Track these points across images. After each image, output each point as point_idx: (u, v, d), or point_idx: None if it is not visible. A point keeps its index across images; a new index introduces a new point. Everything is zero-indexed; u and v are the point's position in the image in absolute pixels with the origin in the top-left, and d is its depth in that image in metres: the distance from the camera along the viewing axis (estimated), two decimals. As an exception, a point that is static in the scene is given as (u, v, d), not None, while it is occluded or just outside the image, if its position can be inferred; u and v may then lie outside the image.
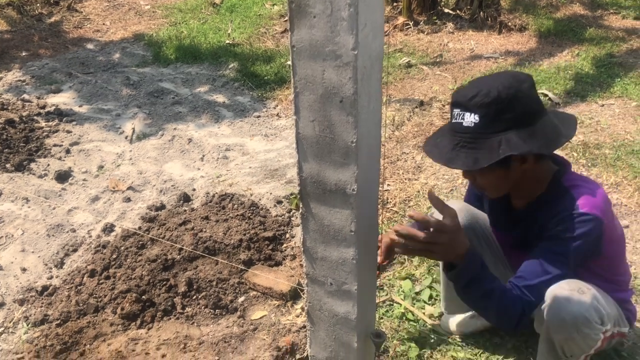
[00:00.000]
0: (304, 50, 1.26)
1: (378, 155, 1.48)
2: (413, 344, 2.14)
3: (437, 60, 5.71)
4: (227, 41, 6.41)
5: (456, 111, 1.60)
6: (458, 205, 1.94)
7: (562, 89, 4.65)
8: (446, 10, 7.06)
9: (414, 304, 2.40)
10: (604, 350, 2.00)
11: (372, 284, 1.69)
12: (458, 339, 2.18)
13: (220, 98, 5.09)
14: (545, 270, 1.60)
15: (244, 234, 2.92)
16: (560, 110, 4.30)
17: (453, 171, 3.37)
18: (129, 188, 3.63)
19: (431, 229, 1.51)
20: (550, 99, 4.47)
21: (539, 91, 4.38)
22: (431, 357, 2.12)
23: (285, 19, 7.50)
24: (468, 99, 1.56)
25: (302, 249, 1.57)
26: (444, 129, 1.72)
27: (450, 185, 3.31)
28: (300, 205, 1.50)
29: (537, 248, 1.65)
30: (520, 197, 1.78)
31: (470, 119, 1.56)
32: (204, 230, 2.95)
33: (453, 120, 1.62)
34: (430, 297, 2.42)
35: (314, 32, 1.22)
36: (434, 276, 2.50)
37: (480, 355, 2.10)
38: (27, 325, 2.54)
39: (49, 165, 3.88)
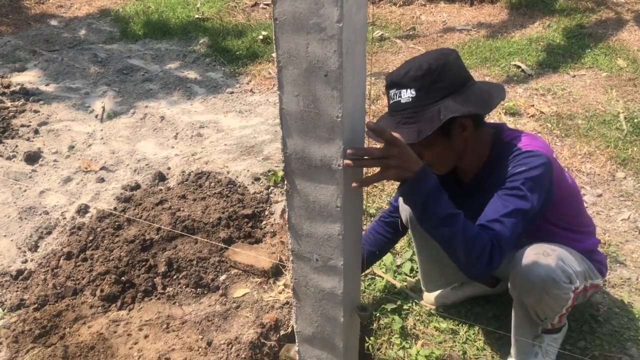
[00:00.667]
0: (287, 23, 1.23)
1: (363, 130, 1.46)
2: (396, 316, 2.17)
3: (410, 33, 5.69)
4: (197, 16, 6.27)
5: (392, 91, 1.64)
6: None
7: (535, 61, 4.68)
8: (417, -18, 7.03)
9: (396, 276, 2.42)
10: (582, 312, 2.06)
11: (357, 258, 1.69)
12: (440, 311, 2.21)
13: (191, 74, 4.99)
14: (505, 205, 1.59)
15: (223, 212, 2.89)
16: (533, 82, 4.34)
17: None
18: (102, 168, 3.55)
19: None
20: (523, 70, 4.50)
21: (512, 63, 4.42)
22: (414, 328, 2.15)
23: (256, -8, 7.37)
24: (402, 76, 1.61)
25: (287, 225, 1.56)
26: (384, 115, 1.75)
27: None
28: (285, 182, 1.48)
29: (495, 195, 1.65)
30: (467, 171, 1.81)
31: (407, 94, 1.60)
32: (182, 209, 2.92)
33: (391, 101, 1.66)
34: (412, 269, 2.44)
35: (298, 4, 1.19)
36: (414, 249, 2.52)
37: (462, 324, 2.14)
38: (3, 311, 2.49)
39: (17, 146, 3.77)
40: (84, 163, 3.59)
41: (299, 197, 1.48)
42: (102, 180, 3.44)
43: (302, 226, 1.54)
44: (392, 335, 2.11)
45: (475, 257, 1.52)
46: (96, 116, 4.25)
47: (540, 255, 1.63)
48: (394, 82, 1.64)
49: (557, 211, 1.75)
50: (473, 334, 2.10)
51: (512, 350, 1.92)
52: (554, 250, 1.65)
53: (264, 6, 6.78)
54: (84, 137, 3.96)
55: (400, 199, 1.99)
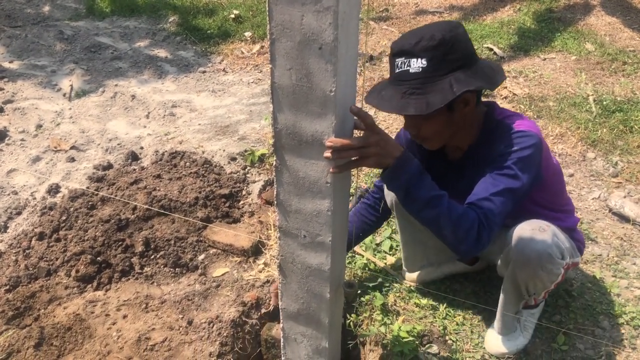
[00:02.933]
0: (280, -6, 1.21)
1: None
2: (377, 293, 2.18)
3: (383, 14, 5.68)
4: (165, -8, 6.14)
5: (399, 60, 1.59)
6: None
7: (507, 44, 4.74)
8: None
9: (375, 254, 2.44)
10: (557, 288, 2.11)
11: (343, 234, 1.69)
12: (420, 288, 2.24)
13: (162, 53, 4.89)
14: (495, 184, 1.60)
15: (200, 192, 2.86)
16: (506, 64, 4.39)
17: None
18: (72, 147, 3.46)
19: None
20: (495, 53, 4.56)
21: (484, 45, 4.45)
22: (395, 305, 2.17)
23: (225, -29, 7.23)
24: (412, 45, 1.55)
25: (275, 202, 1.55)
26: (384, 83, 1.70)
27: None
28: (274, 158, 1.46)
29: (487, 174, 1.65)
30: (457, 148, 1.81)
31: (417, 64, 1.55)
32: (158, 188, 2.87)
33: (397, 70, 1.60)
34: (391, 247, 2.46)
35: (293, -25, 1.17)
36: (393, 227, 2.54)
37: (441, 300, 2.17)
38: (-26, 293, 2.42)
39: (-19, 124, 3.65)
40: (53, 142, 3.49)
41: (289, 173, 1.47)
42: (72, 159, 3.35)
43: (290, 202, 1.53)
44: (374, 312, 2.13)
45: (462, 236, 1.53)
46: (64, 94, 4.13)
47: (536, 230, 1.65)
48: (404, 50, 1.58)
49: (542, 191, 1.78)
50: (452, 309, 2.13)
51: (496, 325, 1.95)
52: (549, 226, 1.69)
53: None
54: (52, 115, 3.85)
55: None
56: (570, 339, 2.00)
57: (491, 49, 4.62)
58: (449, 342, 2.01)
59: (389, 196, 2.01)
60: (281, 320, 1.83)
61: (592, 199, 2.80)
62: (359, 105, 1.47)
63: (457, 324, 2.07)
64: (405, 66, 1.57)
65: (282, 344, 1.89)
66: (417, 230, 2.03)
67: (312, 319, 1.76)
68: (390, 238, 2.50)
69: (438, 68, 1.55)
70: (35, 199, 3.00)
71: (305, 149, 1.40)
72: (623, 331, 2.05)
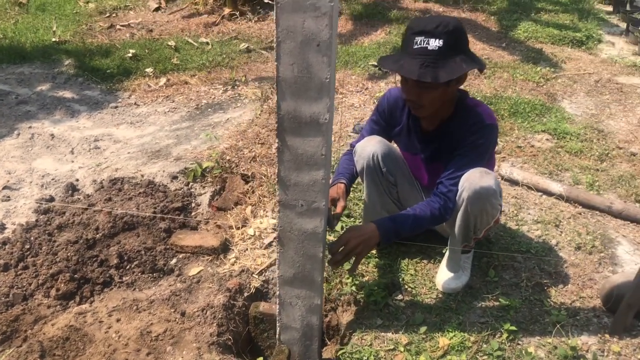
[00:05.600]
0: (287, 5, 1.58)
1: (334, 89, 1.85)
2: (342, 263, 2.57)
3: (273, 45, 6.17)
4: (54, 39, 6.15)
5: (420, 38, 1.99)
6: (376, 139, 2.40)
7: (387, 61, 5.42)
8: (266, 1, 7.53)
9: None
10: (480, 242, 2.62)
11: (327, 199, 2.05)
12: (376, 250, 2.65)
13: (67, 94, 4.96)
14: (462, 167, 2.15)
15: (155, 207, 3.08)
16: (391, 77, 5.05)
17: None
18: (5, 187, 3.49)
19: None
20: (380, 69, 5.21)
21: (369, 64, 5.08)
22: (358, 269, 2.57)
23: (107, 16, 7.36)
24: (434, 27, 1.97)
25: (277, 179, 1.90)
26: (398, 54, 2.12)
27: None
28: (277, 140, 1.82)
29: (455, 157, 2.19)
30: (432, 120, 2.28)
31: (435, 43, 1.97)
32: (115, 208, 3.05)
33: (415, 46, 2.00)
34: (349, 215, 2.86)
35: (298, -9, 1.56)
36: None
37: (395, 259, 2.60)
38: (-47, 326, 2.44)
39: None
40: (-17, 185, 3.49)
41: (289, 152, 1.83)
42: (8, 198, 3.39)
43: (290, 177, 1.88)
44: (343, 277, 2.52)
45: (439, 219, 2.20)
46: (-24, 141, 4.09)
47: (483, 174, 2.13)
48: (426, 30, 1.97)
49: (487, 161, 2.27)
50: (405, 265, 2.58)
51: (447, 264, 2.43)
52: (491, 172, 2.19)
53: (120, 27, 6.82)
54: (-30, 161, 3.81)
55: (359, 145, 2.42)
56: (498, 272, 2.53)
57: (376, 66, 5.26)
58: (409, 289, 2.45)
59: (359, 164, 2.41)
60: (277, 287, 2.14)
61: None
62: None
63: (411, 275, 2.52)
64: (424, 44, 1.98)
65: (277, 310, 2.20)
66: (385, 203, 2.49)
67: (306, 280, 2.09)
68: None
69: (450, 49, 1.98)
70: (-18, 237, 3.02)
71: (305, 128, 1.77)
72: (533, 261, 2.62)
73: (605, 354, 2.13)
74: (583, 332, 2.23)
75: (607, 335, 2.21)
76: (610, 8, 8.19)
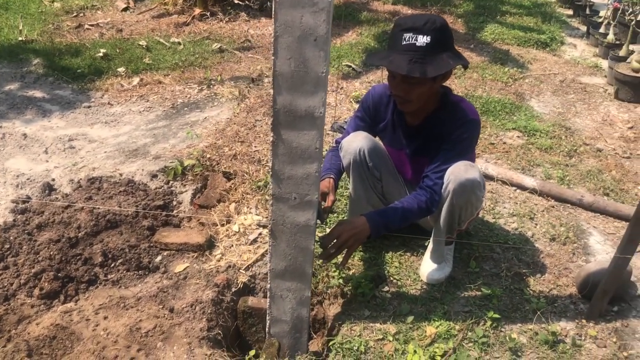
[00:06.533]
0: (285, 1, 1.62)
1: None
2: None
3: (245, 45, 6.18)
4: (20, 38, 6.02)
5: (408, 35, 2.05)
6: (362, 134, 2.45)
7: (359, 61, 5.51)
8: (236, 1, 7.53)
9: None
10: (461, 234, 2.70)
11: (319, 193, 2.08)
12: (360, 246, 2.70)
13: (37, 94, 4.87)
14: (447, 161, 2.23)
15: (137, 206, 3.07)
16: (364, 76, 5.13)
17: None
18: (-22, 188, 3.42)
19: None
20: (354, 69, 5.28)
21: (343, 64, 5.15)
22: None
23: (75, 15, 7.23)
24: (422, 24, 2.03)
25: (270, 172, 1.93)
26: (386, 51, 2.16)
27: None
28: (271, 134, 1.85)
29: (440, 151, 2.26)
30: (417, 115, 2.34)
31: (423, 40, 2.03)
32: (97, 207, 3.02)
33: (404, 42, 2.05)
34: (333, 211, 2.91)
35: (296, -13, 1.60)
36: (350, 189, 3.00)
37: (379, 252, 2.66)
38: None
39: None
40: (-44, 185, 3.41)
41: (283, 145, 1.87)
42: (-19, 199, 3.32)
43: (284, 170, 1.92)
44: (329, 270, 2.56)
45: (426, 212, 2.27)
46: (-56, 141, 3.98)
47: (468, 166, 2.20)
48: (414, 27, 2.03)
49: (470, 158, 2.35)
50: (389, 258, 2.64)
51: (431, 256, 2.50)
52: (474, 165, 2.27)
53: (89, 27, 6.72)
54: (-60, 162, 3.71)
55: (345, 141, 2.46)
56: (478, 263, 2.62)
57: (350, 66, 5.34)
58: (394, 281, 2.51)
59: (346, 160, 2.46)
60: (268, 280, 2.17)
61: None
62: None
63: (396, 267, 2.59)
64: (413, 40, 2.03)
65: (267, 303, 2.23)
66: (369, 196, 2.54)
67: (297, 272, 2.12)
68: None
69: (437, 45, 2.04)
70: (-42, 238, 2.95)
71: (300, 122, 1.81)
72: (511, 252, 2.71)
73: (583, 338, 2.23)
74: (561, 318, 2.33)
75: (584, 321, 2.32)
76: (570, 12, 8.47)
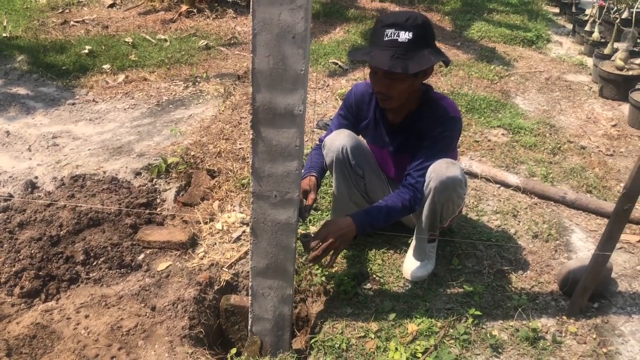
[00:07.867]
0: (263, -2, 1.62)
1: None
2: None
3: (232, 41, 6.16)
4: (4, 34, 5.96)
5: (390, 31, 2.05)
6: (345, 132, 2.45)
7: (347, 58, 5.50)
8: (223, -3, 7.50)
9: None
10: (444, 231, 2.71)
11: (300, 190, 2.09)
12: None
13: (21, 90, 4.82)
14: (429, 159, 2.23)
15: (120, 204, 3.05)
16: (351, 74, 5.13)
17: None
18: (-41, 185, 3.38)
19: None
20: (340, 66, 5.28)
21: (330, 61, 5.14)
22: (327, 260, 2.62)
23: (60, 11, 7.17)
24: (403, 21, 2.03)
25: (251, 170, 1.92)
26: (369, 47, 2.15)
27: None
28: (251, 132, 1.84)
29: (421, 149, 2.26)
30: (398, 113, 2.34)
31: (405, 36, 2.03)
32: (79, 205, 3.00)
33: (386, 38, 2.05)
34: (316, 209, 2.91)
35: (274, -16, 1.59)
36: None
37: (362, 250, 2.67)
38: None
39: None
40: (-64, 183, 3.37)
41: (263, 143, 1.86)
42: (-37, 197, 3.29)
43: (264, 168, 1.91)
44: (312, 269, 2.56)
45: (409, 209, 2.26)
46: None
47: (449, 164, 2.20)
48: (396, 23, 2.03)
49: (452, 156, 2.36)
50: (372, 256, 2.65)
51: (414, 253, 2.50)
52: (456, 162, 2.27)
53: (74, 23, 6.67)
54: None
55: (328, 139, 2.45)
56: (461, 261, 2.63)
57: (336, 63, 5.33)
58: (377, 278, 2.52)
59: (329, 157, 2.45)
60: (250, 279, 2.17)
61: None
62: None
63: (379, 265, 2.59)
64: (395, 36, 2.04)
65: (249, 301, 2.23)
66: (352, 194, 2.54)
67: (279, 270, 2.12)
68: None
69: (419, 41, 2.04)
70: (-62, 237, 2.92)
71: (279, 120, 1.81)
72: (494, 250, 2.73)
73: (564, 334, 2.25)
74: (542, 315, 2.35)
75: (564, 317, 2.33)
76: (557, 10, 8.51)
